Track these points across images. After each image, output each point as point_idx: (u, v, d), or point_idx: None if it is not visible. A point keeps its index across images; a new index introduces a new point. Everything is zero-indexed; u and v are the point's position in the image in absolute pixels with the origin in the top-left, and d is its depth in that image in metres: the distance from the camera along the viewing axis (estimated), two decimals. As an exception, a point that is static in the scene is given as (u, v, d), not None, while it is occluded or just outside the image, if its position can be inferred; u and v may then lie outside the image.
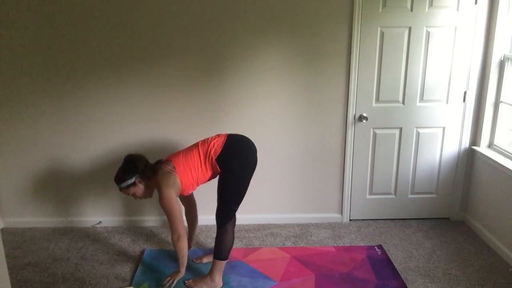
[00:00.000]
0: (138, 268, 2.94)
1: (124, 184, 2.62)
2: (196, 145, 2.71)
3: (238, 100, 3.31)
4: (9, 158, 3.41)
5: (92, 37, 3.14)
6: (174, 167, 2.60)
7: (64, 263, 3.02)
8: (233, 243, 2.73)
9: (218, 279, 2.72)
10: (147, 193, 2.71)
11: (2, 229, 3.50)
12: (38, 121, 3.32)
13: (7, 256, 2.99)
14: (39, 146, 3.38)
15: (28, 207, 3.53)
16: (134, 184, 2.63)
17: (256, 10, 3.11)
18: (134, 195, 2.68)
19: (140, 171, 2.62)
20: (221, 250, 2.67)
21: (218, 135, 2.74)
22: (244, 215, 3.56)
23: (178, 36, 3.15)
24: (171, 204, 2.55)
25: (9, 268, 2.86)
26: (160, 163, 2.68)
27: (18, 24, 3.10)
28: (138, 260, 3.05)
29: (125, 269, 2.95)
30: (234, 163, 2.63)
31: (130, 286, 2.76)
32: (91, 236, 3.41)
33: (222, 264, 2.70)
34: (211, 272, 2.72)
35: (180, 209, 2.60)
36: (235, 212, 2.74)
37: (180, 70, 3.23)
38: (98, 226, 3.55)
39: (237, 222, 3.56)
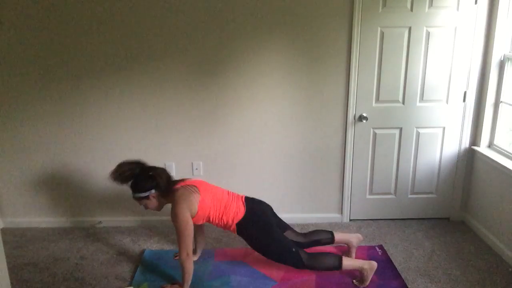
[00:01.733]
0: (138, 268, 2.94)
1: (137, 195, 2.66)
2: (228, 195, 2.80)
3: (238, 100, 3.31)
4: (9, 158, 3.41)
5: (93, 38, 3.14)
6: (199, 194, 2.66)
7: (64, 263, 3.02)
8: (327, 257, 2.78)
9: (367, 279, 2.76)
10: (158, 208, 2.75)
11: (2, 229, 3.50)
12: (38, 121, 3.32)
13: (7, 256, 2.98)
14: (39, 146, 3.38)
15: (28, 207, 3.53)
16: (147, 197, 2.66)
17: (256, 10, 3.11)
18: (145, 206, 2.72)
19: (159, 187, 2.65)
20: (328, 268, 2.74)
21: (238, 200, 2.80)
22: (244, 215, 3.57)
23: (178, 37, 3.15)
24: (186, 222, 2.57)
25: (9, 268, 2.86)
26: (182, 183, 2.74)
27: (18, 25, 3.10)
28: (138, 260, 3.05)
29: (125, 269, 2.95)
30: (255, 233, 2.74)
31: (130, 286, 2.76)
32: (91, 236, 3.41)
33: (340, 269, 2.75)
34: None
35: (193, 228, 2.63)
36: (291, 248, 2.75)
37: (180, 70, 3.23)
38: (98, 226, 3.55)
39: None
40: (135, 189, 2.66)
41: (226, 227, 2.73)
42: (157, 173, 2.66)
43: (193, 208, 2.62)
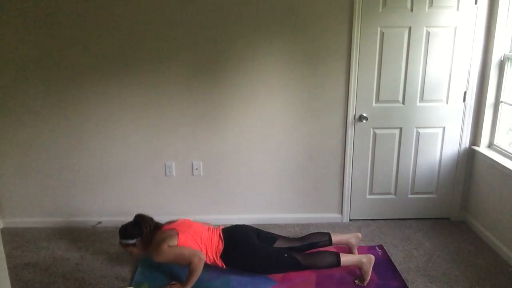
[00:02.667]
0: (138, 268, 2.94)
1: (124, 242, 2.79)
2: (208, 231, 2.84)
3: (238, 101, 3.31)
4: (9, 158, 3.41)
5: (93, 38, 3.14)
6: (178, 235, 2.72)
7: (64, 263, 3.02)
8: (324, 254, 2.81)
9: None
10: (142, 254, 2.85)
11: (2, 229, 3.50)
12: (38, 121, 3.32)
13: (7, 256, 2.99)
14: (39, 146, 3.38)
15: (28, 207, 3.53)
16: (134, 245, 2.78)
17: (256, 11, 3.11)
18: (130, 253, 2.82)
19: (143, 235, 2.78)
20: (327, 266, 2.78)
21: (217, 234, 2.84)
22: (244, 215, 3.57)
23: (179, 37, 3.15)
24: (170, 250, 2.63)
25: (9, 268, 2.86)
26: (163, 227, 2.83)
27: (18, 25, 3.10)
28: (138, 260, 3.05)
29: (125, 269, 2.95)
30: (241, 259, 2.78)
31: (130, 286, 2.76)
32: (91, 236, 3.41)
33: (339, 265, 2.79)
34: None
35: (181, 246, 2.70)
36: (282, 255, 2.78)
37: (180, 70, 3.23)
38: (98, 226, 3.55)
39: (237, 222, 3.57)
40: (124, 235, 2.79)
41: (213, 262, 2.77)
42: (144, 221, 2.81)
43: (173, 244, 2.68)
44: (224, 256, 2.75)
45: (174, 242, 2.67)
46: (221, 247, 2.76)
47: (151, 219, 2.87)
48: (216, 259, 2.75)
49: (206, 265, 2.74)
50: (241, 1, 3.09)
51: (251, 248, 2.78)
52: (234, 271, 2.88)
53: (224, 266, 2.77)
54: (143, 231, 2.78)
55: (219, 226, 2.96)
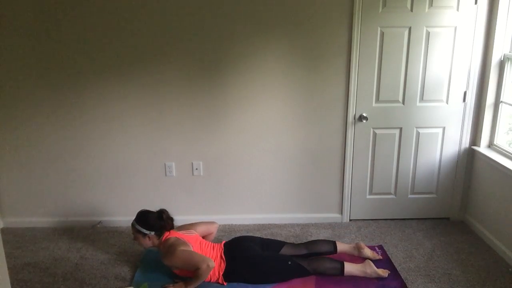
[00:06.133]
0: (138, 268, 2.94)
1: (138, 228, 2.77)
2: (213, 249, 2.83)
3: (238, 101, 3.31)
4: (10, 158, 3.41)
5: (93, 39, 3.14)
6: (192, 247, 2.72)
7: (64, 263, 3.02)
8: (329, 261, 2.81)
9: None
10: (147, 245, 2.83)
11: (2, 229, 3.50)
12: (39, 121, 3.32)
13: (7, 256, 2.98)
14: (39, 146, 3.38)
15: (28, 207, 3.53)
16: (144, 235, 2.77)
17: (256, 11, 3.11)
18: (136, 238, 2.81)
19: (159, 232, 2.78)
20: (331, 272, 2.77)
21: (219, 251, 2.82)
22: (244, 215, 3.57)
23: (178, 38, 3.15)
24: (182, 254, 2.63)
25: (9, 268, 2.86)
26: (176, 234, 2.81)
27: (18, 26, 3.10)
28: (138, 260, 3.05)
29: (125, 269, 2.95)
30: (245, 273, 2.75)
31: (130, 286, 2.76)
32: (91, 236, 3.41)
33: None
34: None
35: (190, 248, 2.71)
36: (286, 263, 2.76)
37: (180, 71, 3.23)
38: (98, 226, 3.55)
39: (237, 222, 3.58)
40: (141, 221, 2.78)
41: (216, 281, 2.75)
42: (167, 219, 2.79)
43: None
44: (227, 273, 2.74)
45: (187, 248, 2.68)
46: (223, 265, 2.75)
47: (172, 219, 2.85)
48: (219, 278, 2.74)
49: (207, 283, 2.75)
50: (241, 2, 3.09)
51: (253, 260, 2.76)
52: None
53: (225, 283, 2.73)
54: (161, 228, 2.77)
55: (221, 241, 2.94)
